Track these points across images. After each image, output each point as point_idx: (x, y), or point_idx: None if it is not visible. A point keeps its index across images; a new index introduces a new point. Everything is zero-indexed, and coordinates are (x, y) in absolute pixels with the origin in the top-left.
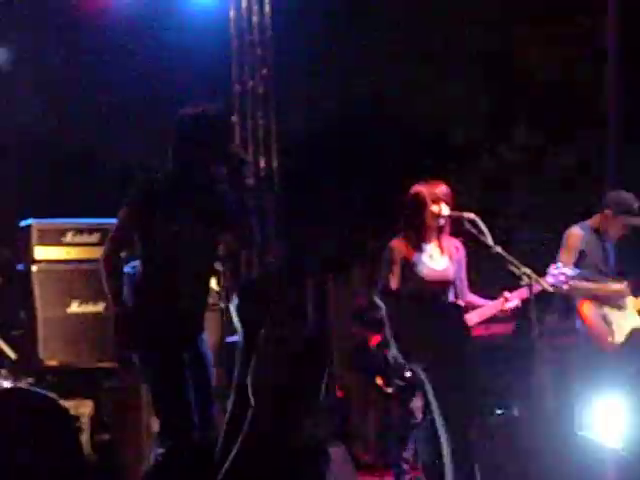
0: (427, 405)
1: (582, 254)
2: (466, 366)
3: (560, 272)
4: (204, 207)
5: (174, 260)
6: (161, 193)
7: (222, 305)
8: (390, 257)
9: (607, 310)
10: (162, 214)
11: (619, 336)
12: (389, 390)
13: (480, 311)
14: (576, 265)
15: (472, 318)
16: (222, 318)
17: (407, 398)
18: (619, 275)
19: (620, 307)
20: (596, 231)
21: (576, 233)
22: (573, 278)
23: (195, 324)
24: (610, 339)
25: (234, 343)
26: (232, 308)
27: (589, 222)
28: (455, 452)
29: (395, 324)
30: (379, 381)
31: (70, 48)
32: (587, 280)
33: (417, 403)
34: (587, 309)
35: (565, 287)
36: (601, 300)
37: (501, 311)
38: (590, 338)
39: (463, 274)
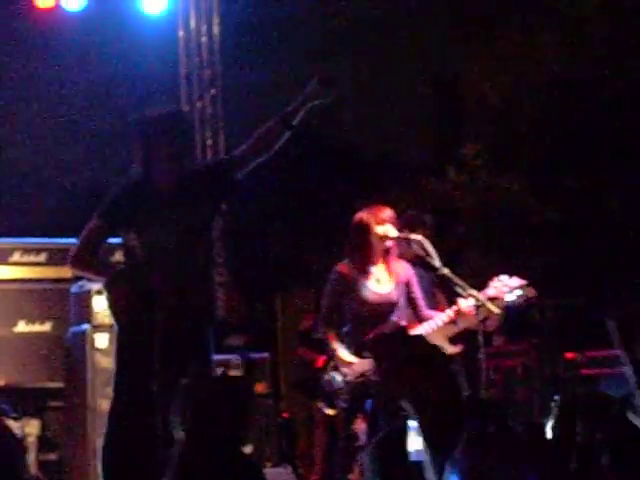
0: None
1: None
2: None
3: (503, 284)
4: (177, 213)
5: (154, 267)
6: (131, 203)
7: None
8: (334, 283)
9: None
10: (135, 224)
11: None
12: (330, 412)
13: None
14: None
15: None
16: None
17: (350, 420)
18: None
19: None
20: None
21: None
22: (514, 287)
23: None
24: None
25: None
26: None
27: None
28: None
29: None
30: (321, 403)
31: (17, 72)
32: None
33: (361, 426)
34: None
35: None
36: None
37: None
38: None
39: (417, 293)
